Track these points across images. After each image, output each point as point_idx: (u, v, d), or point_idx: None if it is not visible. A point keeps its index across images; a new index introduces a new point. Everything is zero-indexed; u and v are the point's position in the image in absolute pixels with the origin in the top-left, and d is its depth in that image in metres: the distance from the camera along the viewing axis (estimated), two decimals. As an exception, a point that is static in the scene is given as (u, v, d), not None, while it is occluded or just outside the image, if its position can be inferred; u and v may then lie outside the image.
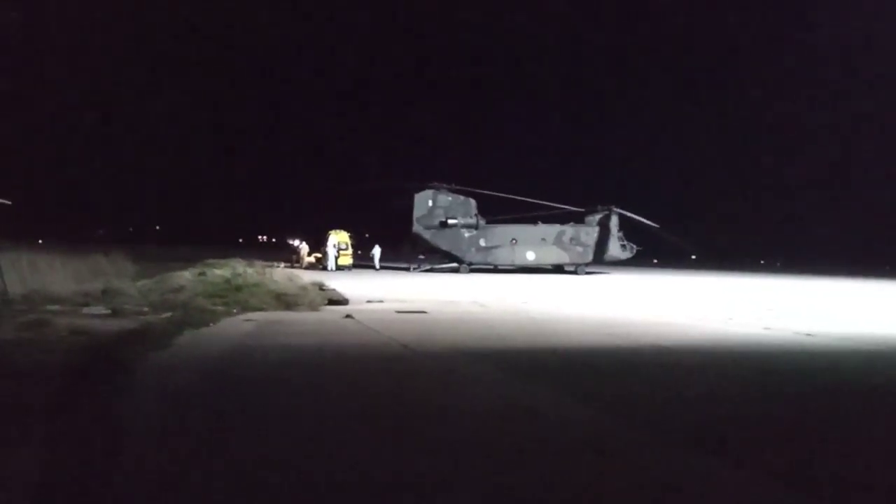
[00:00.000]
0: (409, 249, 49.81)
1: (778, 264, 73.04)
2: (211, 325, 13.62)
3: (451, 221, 44.49)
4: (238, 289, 18.20)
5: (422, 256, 47.05)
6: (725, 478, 5.36)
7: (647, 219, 47.70)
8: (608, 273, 46.81)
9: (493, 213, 46.77)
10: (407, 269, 45.14)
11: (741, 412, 7.61)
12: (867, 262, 62.29)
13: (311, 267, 43.73)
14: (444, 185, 45.55)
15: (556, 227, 46.64)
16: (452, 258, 45.19)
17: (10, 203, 16.61)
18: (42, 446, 5.75)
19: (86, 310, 15.24)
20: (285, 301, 17.46)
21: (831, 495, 5.11)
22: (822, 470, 5.62)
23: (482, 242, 45.23)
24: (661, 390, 8.60)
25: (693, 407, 7.79)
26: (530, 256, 45.72)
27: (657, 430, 6.61)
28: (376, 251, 47.59)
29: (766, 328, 15.32)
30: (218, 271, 21.30)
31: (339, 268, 43.59)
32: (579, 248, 46.25)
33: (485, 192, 46.70)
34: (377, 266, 46.46)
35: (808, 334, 14.23)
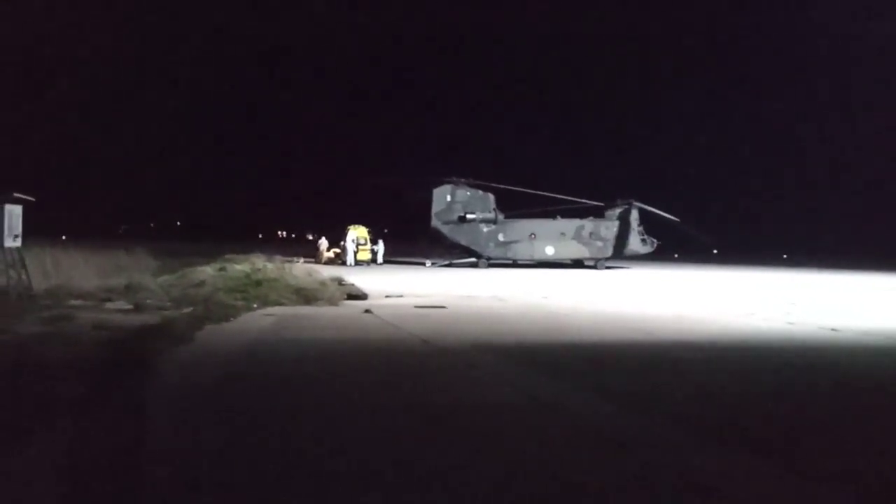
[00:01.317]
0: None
1: (801, 258, 72.07)
2: (231, 319, 13.70)
3: (469, 216, 44.34)
4: (258, 284, 18.31)
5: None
6: (751, 474, 5.28)
7: (668, 213, 47.28)
8: (628, 268, 46.51)
9: (512, 207, 46.59)
10: (423, 265, 45.09)
11: (764, 407, 7.50)
12: (892, 257, 61.27)
13: (330, 262, 43.89)
14: (463, 180, 45.39)
15: (576, 222, 46.35)
16: (471, 253, 45.05)
17: (34, 199, 16.78)
18: (66, 439, 5.80)
19: (108, 305, 15.41)
20: (305, 296, 17.54)
21: (859, 493, 5.02)
22: (849, 466, 5.52)
23: (501, 237, 45.05)
24: (684, 385, 8.51)
25: (716, 402, 7.70)
26: (549, 251, 45.47)
27: (680, 426, 6.54)
28: (380, 247, 47.49)
29: (789, 323, 15.13)
30: (238, 266, 21.45)
31: (357, 263, 43.72)
32: (599, 243, 45.92)
33: (503, 186, 46.47)
34: (378, 261, 46.21)
35: (833, 329, 14.03)
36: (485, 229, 44.82)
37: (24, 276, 16.26)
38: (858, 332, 13.65)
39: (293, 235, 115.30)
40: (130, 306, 15.07)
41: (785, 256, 77.45)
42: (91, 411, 6.71)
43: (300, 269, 23.30)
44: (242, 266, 21.52)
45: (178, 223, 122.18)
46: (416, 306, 17.37)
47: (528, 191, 46.87)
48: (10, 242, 15.78)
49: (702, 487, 4.96)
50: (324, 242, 48.26)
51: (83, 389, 7.48)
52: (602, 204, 47.78)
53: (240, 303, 15.85)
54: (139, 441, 5.77)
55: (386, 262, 47.27)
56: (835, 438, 6.39)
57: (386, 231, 57.19)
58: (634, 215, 46.22)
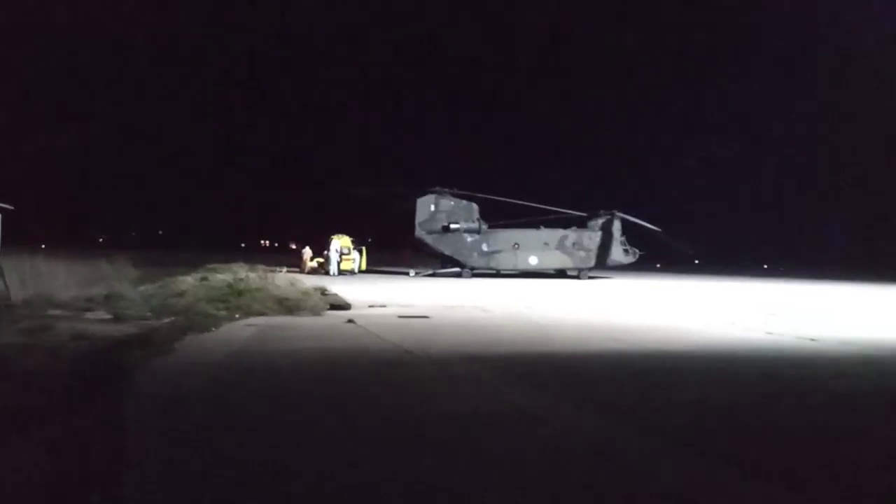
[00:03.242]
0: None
1: (781, 269, 72.82)
2: (213, 329, 13.61)
3: (453, 226, 44.48)
4: (240, 293, 18.18)
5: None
6: (731, 485, 5.32)
7: (650, 223, 47.67)
8: (611, 277, 46.76)
9: (496, 217, 46.79)
10: (406, 274, 45.08)
11: (744, 418, 7.56)
12: (872, 267, 62.09)
13: (313, 272, 43.73)
14: (447, 190, 45.57)
15: (559, 232, 46.62)
16: (455, 263, 45.14)
17: (12, 208, 16.60)
18: (42, 451, 5.72)
19: (88, 315, 15.24)
20: (287, 306, 17.45)
21: (839, 502, 5.07)
22: (828, 477, 5.57)
23: (484, 247, 45.19)
24: (665, 396, 8.56)
25: (696, 412, 7.74)
26: (533, 261, 45.67)
27: (662, 437, 6.57)
28: (354, 255, 47.34)
29: (768, 333, 15.26)
30: (220, 276, 21.28)
31: (341, 272, 43.61)
32: (582, 253, 46.20)
33: (487, 196, 46.70)
34: (355, 270, 45.97)
35: (812, 339, 14.17)
36: (468, 239, 44.96)
37: (1, 286, 16.05)
38: (837, 342, 13.79)
39: (276, 245, 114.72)
40: (110, 316, 14.91)
41: (766, 266, 78.25)
42: (68, 422, 6.63)
43: (283, 279, 23.16)
44: (224, 275, 21.35)
45: (160, 232, 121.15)
46: (400, 316, 17.35)
47: (512, 201, 47.14)
48: (-13, 251, 15.59)
49: (681, 498, 4.99)
50: (307, 252, 48.09)
51: (61, 400, 7.38)
52: (585, 214, 48.12)
53: (221, 313, 15.74)
54: (116, 452, 5.71)
55: (369, 271, 47.20)
56: (815, 449, 6.45)
57: (370, 240, 57.09)
58: (617, 226, 46.61)
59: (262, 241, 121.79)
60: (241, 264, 25.88)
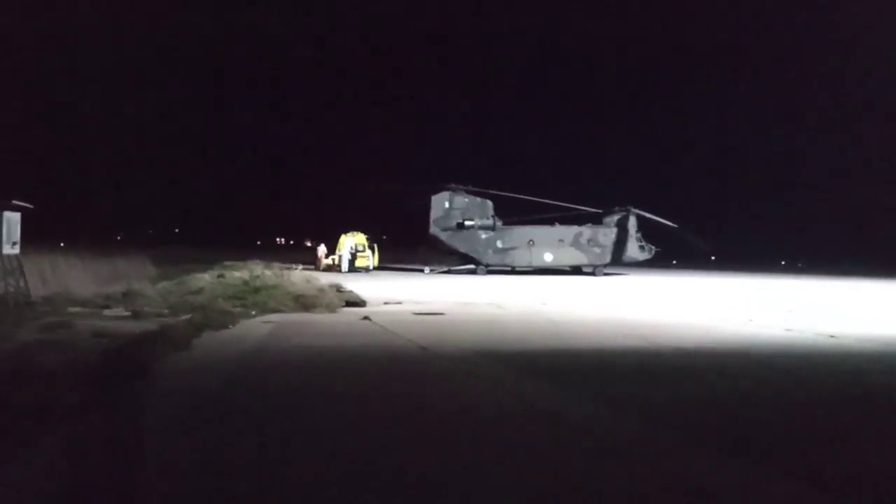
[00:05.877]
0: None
1: (799, 265, 72.14)
2: (230, 326, 13.71)
3: (468, 223, 44.43)
4: (256, 290, 18.31)
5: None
6: (752, 482, 5.29)
7: (666, 219, 47.34)
8: (626, 274, 46.49)
9: (511, 214, 46.64)
10: (421, 271, 45.14)
11: (764, 415, 7.51)
12: (889, 263, 61.27)
13: (329, 269, 43.86)
14: (461, 187, 45.49)
15: (574, 229, 46.40)
16: (469, 260, 45.11)
17: (32, 207, 16.78)
18: (64, 447, 5.79)
19: (107, 312, 15.40)
20: (303, 303, 17.54)
21: (857, 500, 5.03)
22: (848, 475, 5.52)
23: (499, 244, 45.09)
24: (682, 393, 8.52)
25: (714, 409, 7.70)
26: (548, 258, 45.50)
27: (679, 433, 6.55)
28: (369, 253, 47.35)
29: (787, 329, 15.14)
30: (236, 273, 21.47)
31: (354, 270, 43.71)
32: (597, 250, 45.95)
33: (502, 193, 46.54)
34: (370, 268, 46.02)
35: (831, 336, 14.04)
36: (483, 236, 44.90)
37: (22, 284, 16.24)
38: (856, 339, 13.66)
39: (292, 242, 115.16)
40: (128, 313, 15.06)
41: (783, 263, 77.56)
42: (89, 418, 6.70)
43: (298, 276, 23.28)
44: (241, 273, 21.55)
45: (177, 230, 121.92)
46: (415, 313, 17.37)
47: (527, 197, 46.90)
48: (8, 249, 15.77)
49: (701, 494, 4.97)
50: (322, 249, 48.24)
51: (81, 396, 7.47)
52: (600, 210, 47.79)
53: (238, 310, 15.86)
54: (136, 447, 5.77)
55: (384, 268, 47.27)
56: (833, 446, 6.40)
57: (384, 237, 57.12)
58: (632, 222, 46.27)
59: (278, 239, 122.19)
60: (257, 262, 26.10)
